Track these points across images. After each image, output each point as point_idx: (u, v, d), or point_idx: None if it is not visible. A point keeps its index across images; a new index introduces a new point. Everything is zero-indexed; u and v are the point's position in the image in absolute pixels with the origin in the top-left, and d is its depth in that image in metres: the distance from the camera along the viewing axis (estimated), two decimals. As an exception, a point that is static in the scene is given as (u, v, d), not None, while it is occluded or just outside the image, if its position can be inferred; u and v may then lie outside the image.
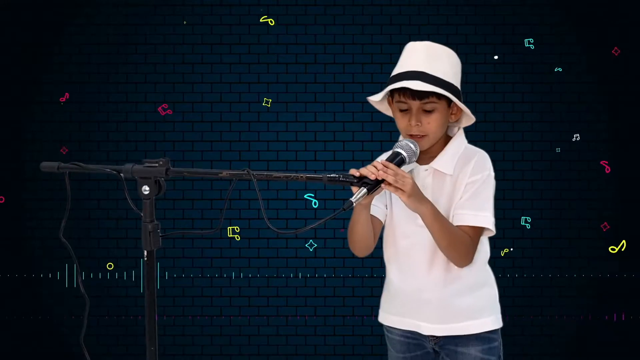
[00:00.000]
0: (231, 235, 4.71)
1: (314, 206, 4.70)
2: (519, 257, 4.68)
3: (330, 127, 4.74)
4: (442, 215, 2.51)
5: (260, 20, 4.26)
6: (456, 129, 2.66)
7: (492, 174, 2.60)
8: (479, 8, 4.71)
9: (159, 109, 4.50)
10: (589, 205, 4.69)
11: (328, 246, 4.74)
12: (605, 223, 4.66)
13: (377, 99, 2.62)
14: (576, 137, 4.31)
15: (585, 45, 4.67)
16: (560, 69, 4.43)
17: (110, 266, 4.72)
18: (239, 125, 4.76)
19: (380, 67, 4.68)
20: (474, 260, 2.58)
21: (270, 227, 2.26)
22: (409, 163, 2.49)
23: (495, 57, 4.61)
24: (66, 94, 4.67)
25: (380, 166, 2.38)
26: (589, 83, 4.67)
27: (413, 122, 2.53)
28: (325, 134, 4.74)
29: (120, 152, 4.70)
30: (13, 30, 4.68)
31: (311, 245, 4.71)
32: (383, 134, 4.67)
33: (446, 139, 2.64)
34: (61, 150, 4.70)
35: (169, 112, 4.40)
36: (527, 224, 4.70)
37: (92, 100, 4.74)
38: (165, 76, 4.74)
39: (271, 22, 4.33)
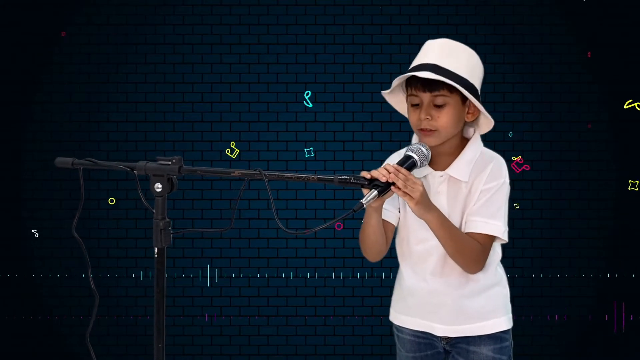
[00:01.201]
0: (228, 152, 4.70)
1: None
2: (519, 257, 4.69)
3: (330, 127, 4.74)
4: (449, 223, 2.48)
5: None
6: (472, 130, 2.63)
7: (508, 181, 2.57)
8: (479, 8, 4.71)
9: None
10: (589, 205, 4.70)
11: (328, 246, 4.74)
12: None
13: (387, 92, 2.59)
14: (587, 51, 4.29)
15: (585, 45, 4.68)
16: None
17: (111, 201, 4.70)
18: (239, 125, 4.75)
19: (380, 67, 4.67)
20: (487, 263, 2.57)
21: (281, 227, 2.27)
22: (420, 167, 2.47)
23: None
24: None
25: (391, 169, 2.36)
26: (589, 83, 4.69)
27: (423, 116, 2.49)
28: (325, 134, 4.74)
29: (120, 152, 4.69)
30: (13, 30, 4.67)
31: (309, 152, 4.70)
32: (383, 133, 4.67)
33: (462, 141, 2.61)
34: (62, 34, 4.69)
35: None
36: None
37: (92, 100, 4.73)
38: (165, 76, 4.74)
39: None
